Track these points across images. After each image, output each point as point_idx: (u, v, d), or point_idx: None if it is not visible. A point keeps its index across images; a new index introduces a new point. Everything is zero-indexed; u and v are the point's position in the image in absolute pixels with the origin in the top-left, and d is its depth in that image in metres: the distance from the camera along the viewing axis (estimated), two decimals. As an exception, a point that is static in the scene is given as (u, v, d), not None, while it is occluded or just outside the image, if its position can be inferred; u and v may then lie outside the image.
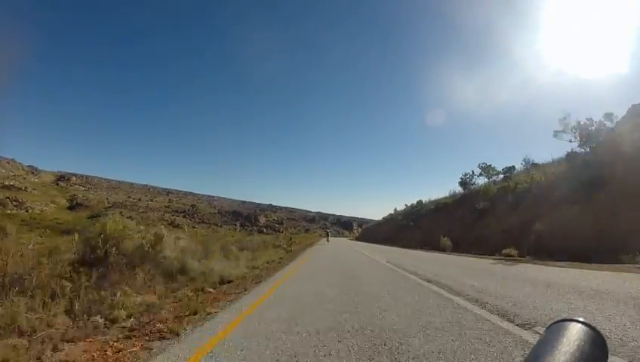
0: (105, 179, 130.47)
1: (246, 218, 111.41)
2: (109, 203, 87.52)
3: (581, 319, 0.53)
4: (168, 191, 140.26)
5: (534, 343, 0.55)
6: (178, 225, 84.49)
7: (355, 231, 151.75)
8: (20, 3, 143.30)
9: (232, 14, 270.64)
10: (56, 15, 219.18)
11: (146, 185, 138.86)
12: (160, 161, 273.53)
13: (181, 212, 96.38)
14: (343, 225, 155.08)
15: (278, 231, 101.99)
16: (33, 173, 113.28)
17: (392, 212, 52.20)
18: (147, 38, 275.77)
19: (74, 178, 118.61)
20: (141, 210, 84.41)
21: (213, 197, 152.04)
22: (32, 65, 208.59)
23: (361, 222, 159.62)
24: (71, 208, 79.91)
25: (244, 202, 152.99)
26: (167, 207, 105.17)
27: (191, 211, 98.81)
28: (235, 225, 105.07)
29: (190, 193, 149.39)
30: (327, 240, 45.92)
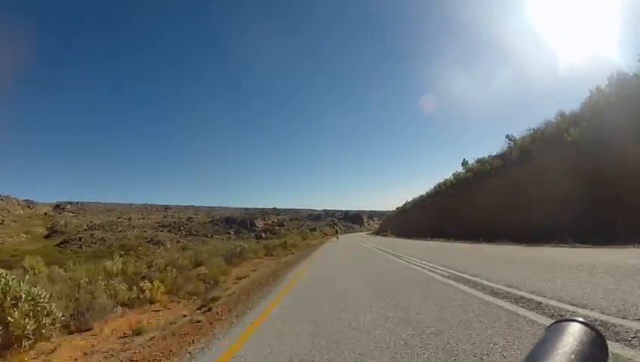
0: (102, 204, 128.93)
1: (241, 224, 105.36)
2: (87, 226, 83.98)
3: (581, 319, 0.52)
4: (167, 207, 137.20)
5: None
6: (158, 241, 79.59)
7: (367, 224, 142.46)
8: (7, 26, 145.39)
9: (224, 25, 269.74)
10: (45, 38, 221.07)
11: (144, 205, 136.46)
12: (159, 178, 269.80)
13: (166, 226, 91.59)
14: (352, 219, 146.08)
15: (279, 235, 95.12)
16: (29, 206, 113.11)
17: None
18: (137, 54, 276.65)
19: (68, 206, 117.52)
20: (119, 230, 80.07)
21: (214, 207, 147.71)
22: (21, 98, 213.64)
23: (371, 214, 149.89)
24: (47, 236, 76.74)
25: (247, 209, 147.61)
26: (158, 222, 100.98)
27: (177, 224, 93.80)
28: (229, 233, 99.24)
29: (191, 206, 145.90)
30: (337, 238, 40.89)
